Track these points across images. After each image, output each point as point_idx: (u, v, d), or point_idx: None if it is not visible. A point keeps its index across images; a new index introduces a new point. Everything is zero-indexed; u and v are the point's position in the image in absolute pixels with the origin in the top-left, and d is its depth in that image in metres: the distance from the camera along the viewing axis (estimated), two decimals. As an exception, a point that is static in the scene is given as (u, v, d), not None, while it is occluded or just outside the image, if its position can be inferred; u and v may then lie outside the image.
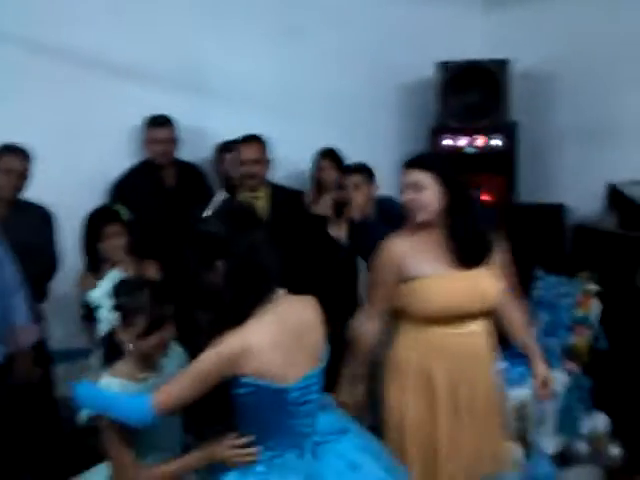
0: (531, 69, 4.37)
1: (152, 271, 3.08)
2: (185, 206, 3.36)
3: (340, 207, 3.34)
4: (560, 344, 3.36)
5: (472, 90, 4.21)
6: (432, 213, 2.24)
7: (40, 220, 3.22)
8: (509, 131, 4.22)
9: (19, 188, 3.12)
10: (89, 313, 2.70)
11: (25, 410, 2.81)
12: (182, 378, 1.81)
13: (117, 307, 1.99)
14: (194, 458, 1.90)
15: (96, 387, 1.93)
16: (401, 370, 2.28)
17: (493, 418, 2.35)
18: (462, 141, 4.24)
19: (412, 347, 2.27)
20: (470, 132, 4.22)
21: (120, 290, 2.03)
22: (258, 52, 4.15)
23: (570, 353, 3.35)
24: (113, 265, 2.83)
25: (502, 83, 4.13)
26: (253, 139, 3.35)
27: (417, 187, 2.23)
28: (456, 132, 4.24)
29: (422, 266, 2.23)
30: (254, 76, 4.12)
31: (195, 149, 3.85)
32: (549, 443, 3.18)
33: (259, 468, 1.86)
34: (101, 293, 2.63)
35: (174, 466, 1.89)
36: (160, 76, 3.87)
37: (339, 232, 3.33)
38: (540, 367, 2.49)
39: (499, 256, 2.36)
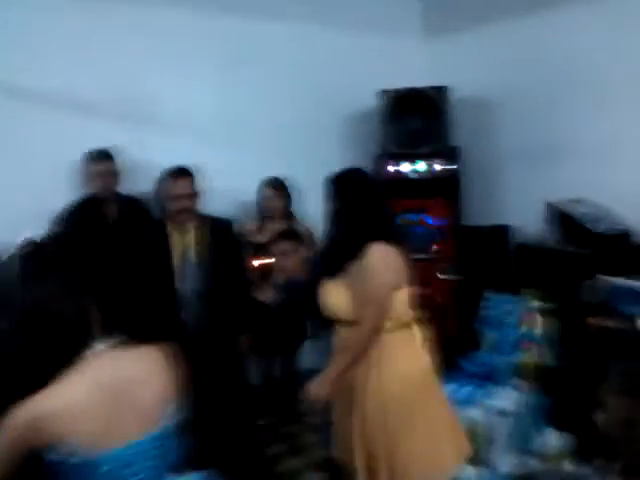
0: (473, 95, 4.49)
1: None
2: (126, 240, 3.34)
3: (265, 273, 3.42)
4: (508, 362, 3.38)
5: (414, 117, 4.31)
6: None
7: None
8: (452, 155, 4.32)
9: None
10: None
11: None
12: None
13: None
14: None
15: None
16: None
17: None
18: (405, 167, 4.31)
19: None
20: (413, 158, 4.30)
21: None
22: (202, 83, 4.18)
23: (519, 371, 3.38)
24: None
25: (442, 109, 4.23)
26: (184, 173, 3.27)
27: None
28: (399, 158, 4.31)
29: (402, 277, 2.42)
30: (199, 107, 4.14)
31: (140, 181, 3.81)
32: (503, 462, 3.17)
33: None
34: None
35: None
36: (103, 108, 3.83)
37: (266, 295, 3.40)
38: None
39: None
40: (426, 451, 2.32)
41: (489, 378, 3.38)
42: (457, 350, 3.59)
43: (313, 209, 3.88)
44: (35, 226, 3.45)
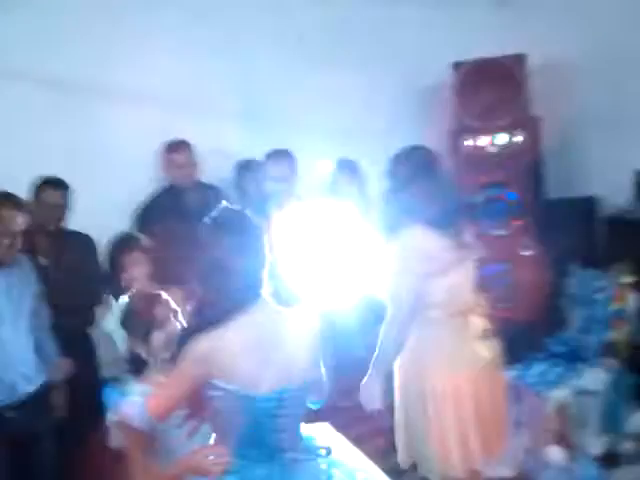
0: (548, 62, 4.29)
1: (175, 298, 3.10)
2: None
3: None
4: (598, 341, 3.27)
5: (490, 88, 4.15)
6: None
7: (85, 248, 3.28)
8: (531, 126, 4.15)
9: (61, 219, 3.23)
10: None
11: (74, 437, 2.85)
12: (166, 382, 1.88)
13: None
14: (179, 466, 1.90)
15: (120, 391, 2.05)
16: None
17: None
18: (483, 140, 4.18)
19: None
20: (491, 130, 4.16)
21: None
22: (266, 66, 4.15)
23: (609, 349, 3.26)
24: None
25: (520, 78, 4.06)
26: (283, 154, 3.45)
27: None
28: (476, 132, 4.18)
29: None
30: (266, 93, 4.13)
31: (213, 170, 3.87)
32: (593, 444, 3.09)
33: (230, 478, 1.83)
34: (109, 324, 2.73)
35: (169, 472, 1.92)
36: (174, 100, 3.90)
37: None
38: None
39: None
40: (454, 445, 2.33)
41: (577, 358, 3.29)
42: (542, 329, 3.50)
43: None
44: (120, 215, 3.61)
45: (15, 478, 2.50)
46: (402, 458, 2.50)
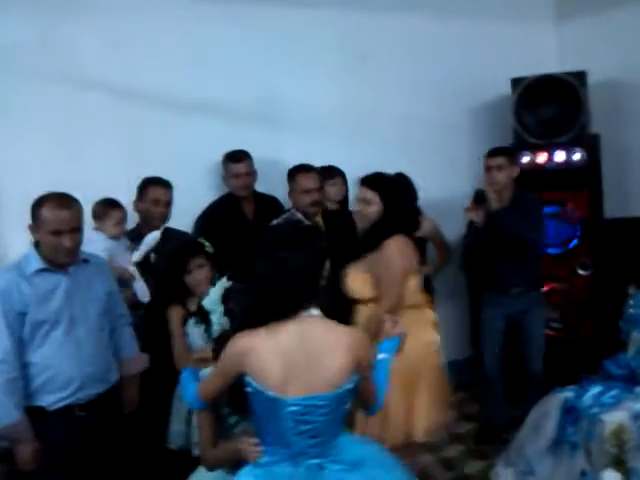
0: (608, 79, 4.24)
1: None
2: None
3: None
4: (658, 364, 3.19)
5: (549, 105, 4.14)
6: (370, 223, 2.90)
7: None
8: (591, 144, 4.11)
9: (166, 216, 3.38)
10: (204, 317, 2.85)
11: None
12: (212, 371, 2.06)
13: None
14: (225, 449, 2.09)
15: (189, 374, 2.19)
16: None
17: None
18: (542, 157, 4.15)
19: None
20: (550, 148, 4.13)
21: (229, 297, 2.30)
22: (328, 82, 4.22)
23: (669, 373, 3.18)
24: (197, 296, 2.92)
25: (580, 96, 4.02)
26: (310, 169, 3.53)
27: (366, 202, 2.89)
28: (535, 148, 4.16)
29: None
30: (325, 106, 4.19)
31: (270, 180, 3.94)
32: (652, 470, 3.01)
33: (257, 471, 1.96)
34: (212, 300, 2.81)
35: (218, 452, 2.11)
36: (236, 111, 3.99)
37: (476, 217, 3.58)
38: None
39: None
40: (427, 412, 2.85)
41: (635, 381, 3.21)
42: (600, 351, 3.44)
43: (445, 200, 3.88)
44: (179, 222, 3.69)
45: (84, 477, 2.56)
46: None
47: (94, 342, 2.55)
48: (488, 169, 3.63)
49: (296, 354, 1.90)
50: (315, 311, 1.98)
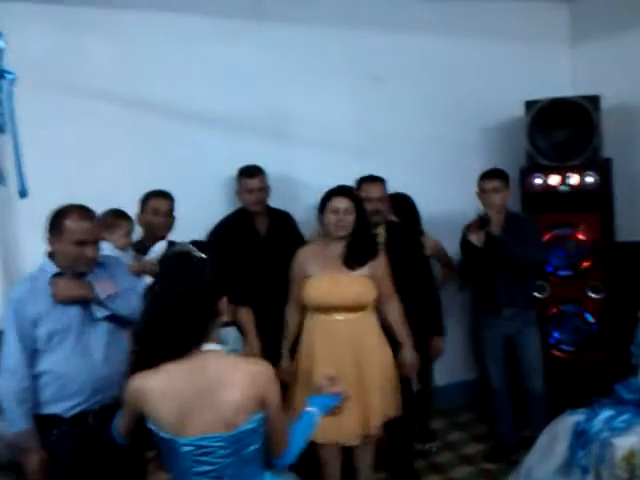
0: (621, 104, 4.26)
1: (246, 317, 3.14)
2: (276, 253, 3.49)
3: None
4: (670, 389, 3.17)
5: (562, 128, 4.15)
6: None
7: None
8: (603, 168, 4.12)
9: (168, 226, 3.40)
10: None
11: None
12: (122, 410, 2.02)
13: None
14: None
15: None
16: (302, 340, 3.14)
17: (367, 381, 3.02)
18: (554, 180, 4.16)
19: (307, 327, 3.12)
20: (562, 170, 4.14)
21: None
22: (341, 100, 4.24)
23: (681, 398, 3.16)
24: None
25: (593, 119, 4.04)
26: (376, 179, 3.58)
27: (347, 212, 3.04)
28: (547, 171, 4.17)
29: (314, 268, 3.07)
30: (338, 124, 4.21)
31: (283, 196, 3.96)
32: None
33: None
34: None
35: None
36: (250, 126, 4.01)
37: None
38: (406, 352, 3.16)
39: (380, 269, 3.11)
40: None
41: (647, 405, 3.19)
42: (611, 375, 3.42)
43: (459, 220, 3.89)
44: (192, 235, 3.69)
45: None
46: None
47: (106, 345, 2.56)
48: (483, 191, 3.66)
49: (189, 393, 1.82)
50: (212, 346, 1.89)
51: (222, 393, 1.83)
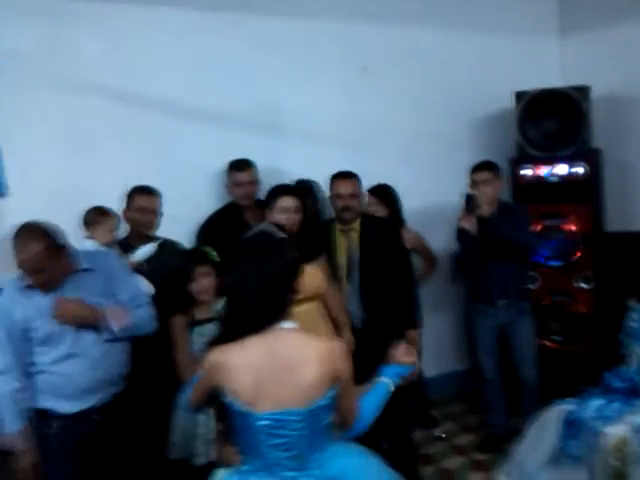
0: (611, 94, 4.27)
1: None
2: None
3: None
4: (657, 379, 3.18)
5: (552, 118, 4.16)
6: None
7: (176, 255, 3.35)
8: (592, 158, 4.13)
9: (154, 224, 3.36)
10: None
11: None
12: (197, 381, 2.07)
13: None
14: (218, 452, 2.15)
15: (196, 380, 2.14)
16: None
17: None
18: (543, 170, 4.17)
19: None
20: (552, 161, 4.15)
21: None
22: (331, 94, 4.23)
23: (670, 387, 3.17)
24: (201, 304, 2.91)
25: (583, 110, 4.05)
26: (348, 175, 3.53)
27: (296, 210, 3.17)
28: (537, 161, 4.18)
29: None
30: (328, 117, 4.20)
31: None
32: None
33: (234, 477, 2.00)
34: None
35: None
36: (239, 120, 3.99)
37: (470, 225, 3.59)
38: (346, 334, 3.21)
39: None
40: None
41: (636, 394, 3.20)
42: (600, 364, 3.44)
43: (449, 212, 3.90)
44: (181, 230, 3.69)
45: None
46: None
47: (104, 347, 2.55)
48: (474, 183, 3.67)
49: (267, 369, 1.89)
50: (289, 324, 1.96)
51: (300, 369, 1.89)
